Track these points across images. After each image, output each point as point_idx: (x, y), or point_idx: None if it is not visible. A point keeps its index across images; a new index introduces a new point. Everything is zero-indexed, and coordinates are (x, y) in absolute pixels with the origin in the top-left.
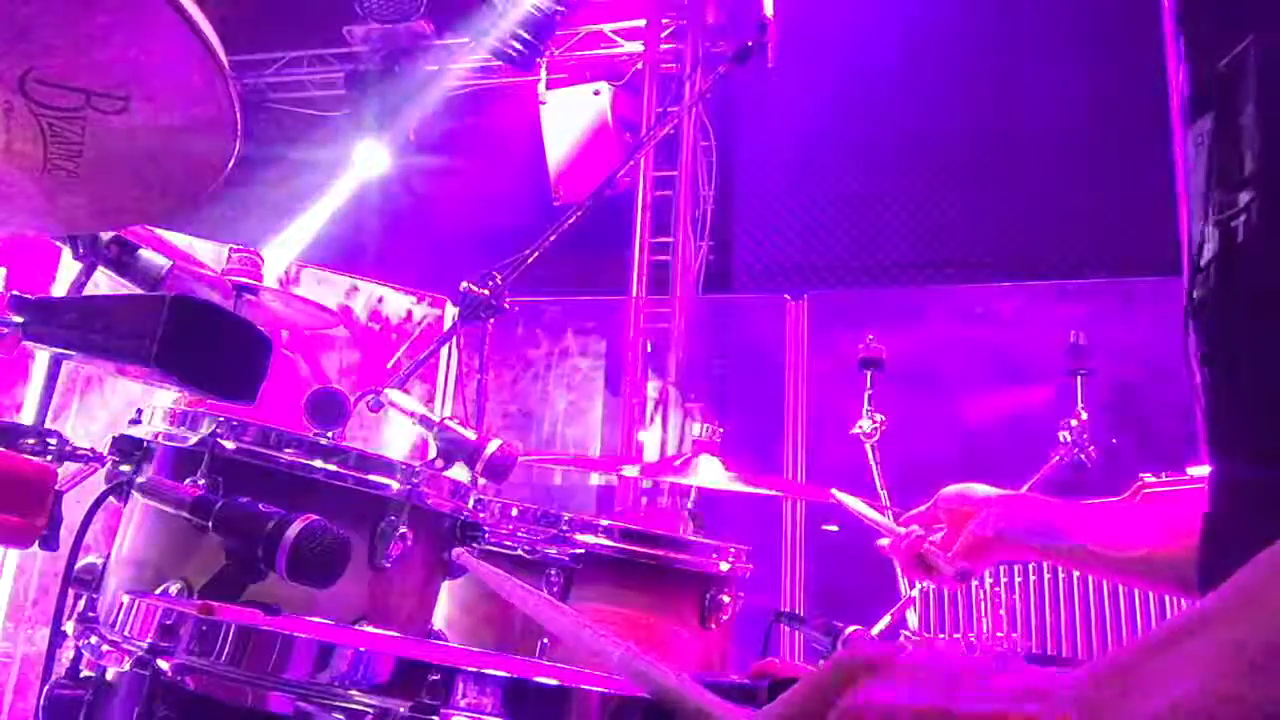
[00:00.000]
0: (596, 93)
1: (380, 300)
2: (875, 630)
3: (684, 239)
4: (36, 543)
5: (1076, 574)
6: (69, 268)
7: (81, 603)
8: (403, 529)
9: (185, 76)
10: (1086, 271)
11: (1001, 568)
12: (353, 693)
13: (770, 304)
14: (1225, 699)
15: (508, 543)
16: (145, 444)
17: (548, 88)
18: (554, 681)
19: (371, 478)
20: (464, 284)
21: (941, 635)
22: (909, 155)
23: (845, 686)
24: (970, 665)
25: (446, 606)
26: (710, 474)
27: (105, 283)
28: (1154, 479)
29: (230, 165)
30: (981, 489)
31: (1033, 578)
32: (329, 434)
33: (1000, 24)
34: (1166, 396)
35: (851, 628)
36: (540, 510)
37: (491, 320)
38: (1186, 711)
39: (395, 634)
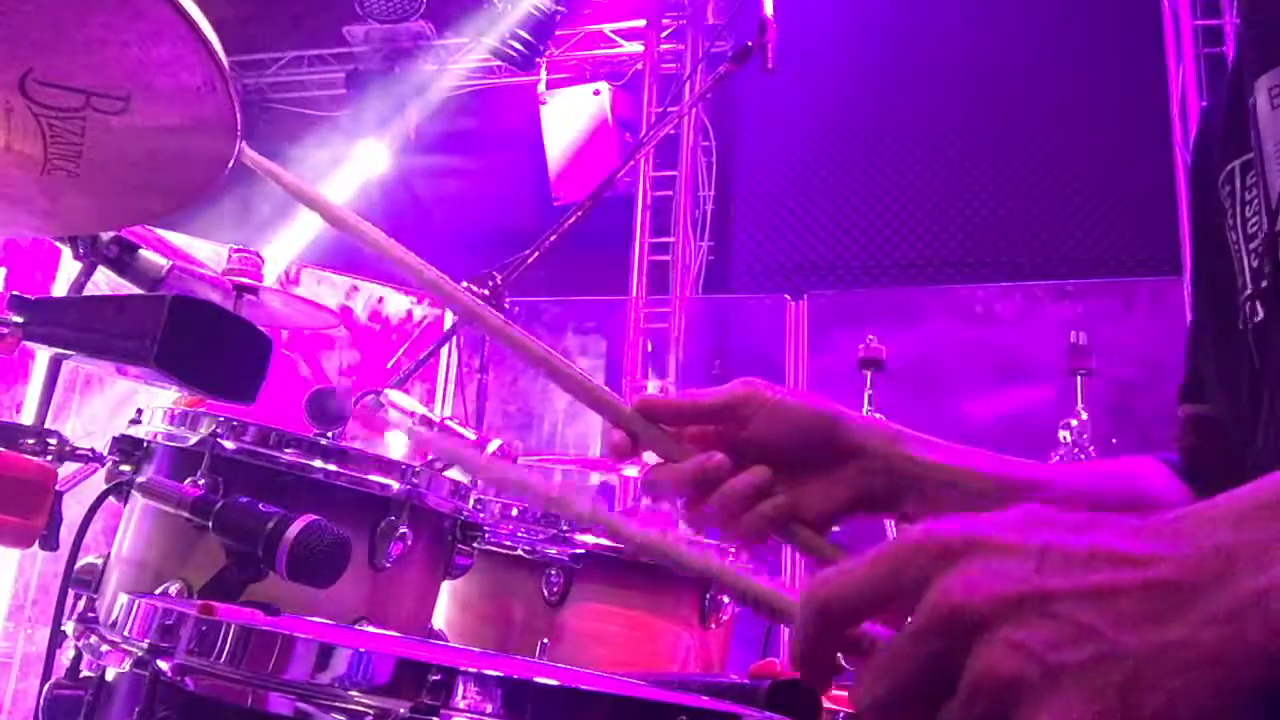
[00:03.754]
0: (596, 93)
1: (380, 300)
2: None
3: (684, 239)
4: (36, 543)
5: None
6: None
7: (81, 603)
8: (403, 529)
9: (185, 77)
10: (1086, 271)
11: None
12: (353, 693)
13: (770, 304)
14: None
15: (507, 543)
16: (145, 444)
17: (548, 88)
18: (554, 682)
19: (371, 478)
20: (464, 284)
21: None
22: (909, 155)
23: (933, 569)
24: (1058, 526)
25: (446, 606)
26: None
27: (105, 283)
28: None
29: (231, 165)
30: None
31: None
32: (329, 434)
33: (1000, 24)
34: (1166, 396)
35: None
36: (540, 510)
37: None
38: None
39: (395, 634)
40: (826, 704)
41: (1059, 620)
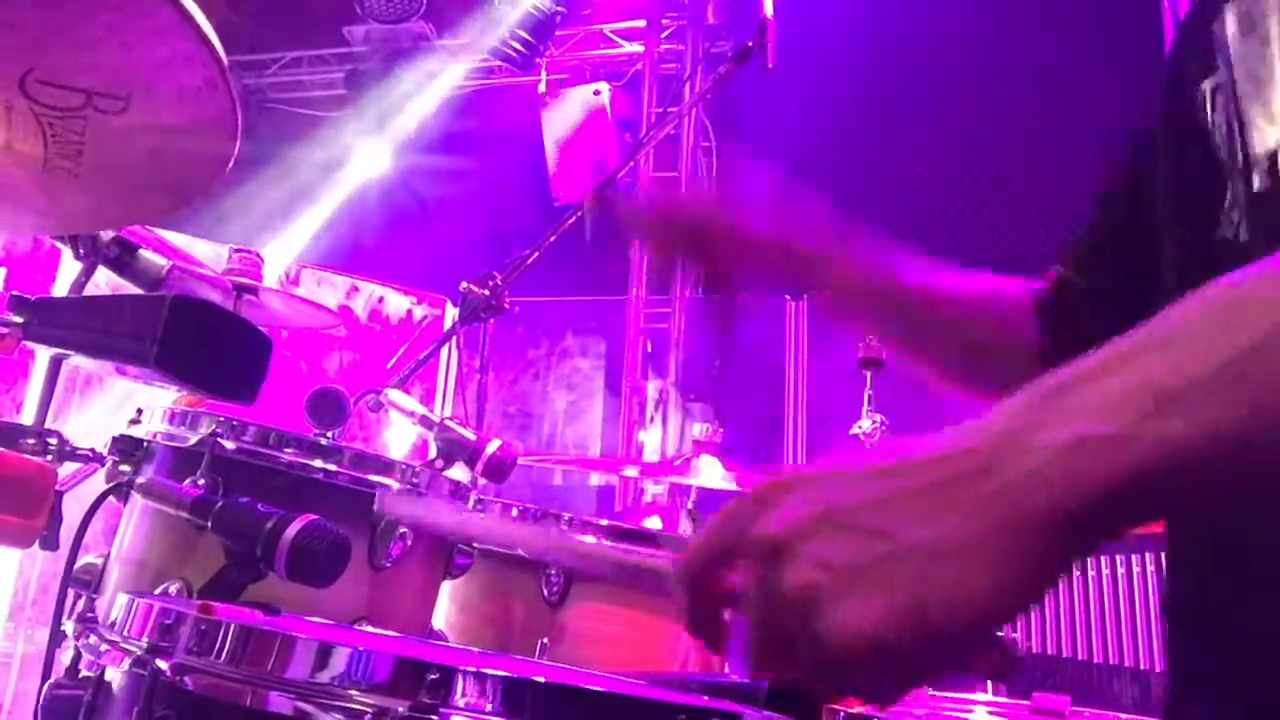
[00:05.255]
0: (596, 93)
1: (380, 300)
2: None
3: None
4: (36, 543)
5: (1076, 572)
6: (69, 268)
7: (81, 602)
8: (402, 529)
9: (186, 76)
10: None
11: None
12: (352, 692)
13: (770, 304)
14: (1125, 438)
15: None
16: (145, 444)
17: (548, 88)
18: (554, 681)
19: (371, 478)
20: (464, 284)
21: None
22: (908, 156)
23: (758, 511)
24: (863, 459)
25: (446, 606)
26: (710, 474)
27: (105, 283)
28: None
29: (230, 165)
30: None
31: None
32: (329, 434)
33: (1000, 24)
34: None
35: None
36: (540, 510)
37: (491, 321)
38: (1094, 441)
39: (395, 634)
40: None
41: (850, 531)
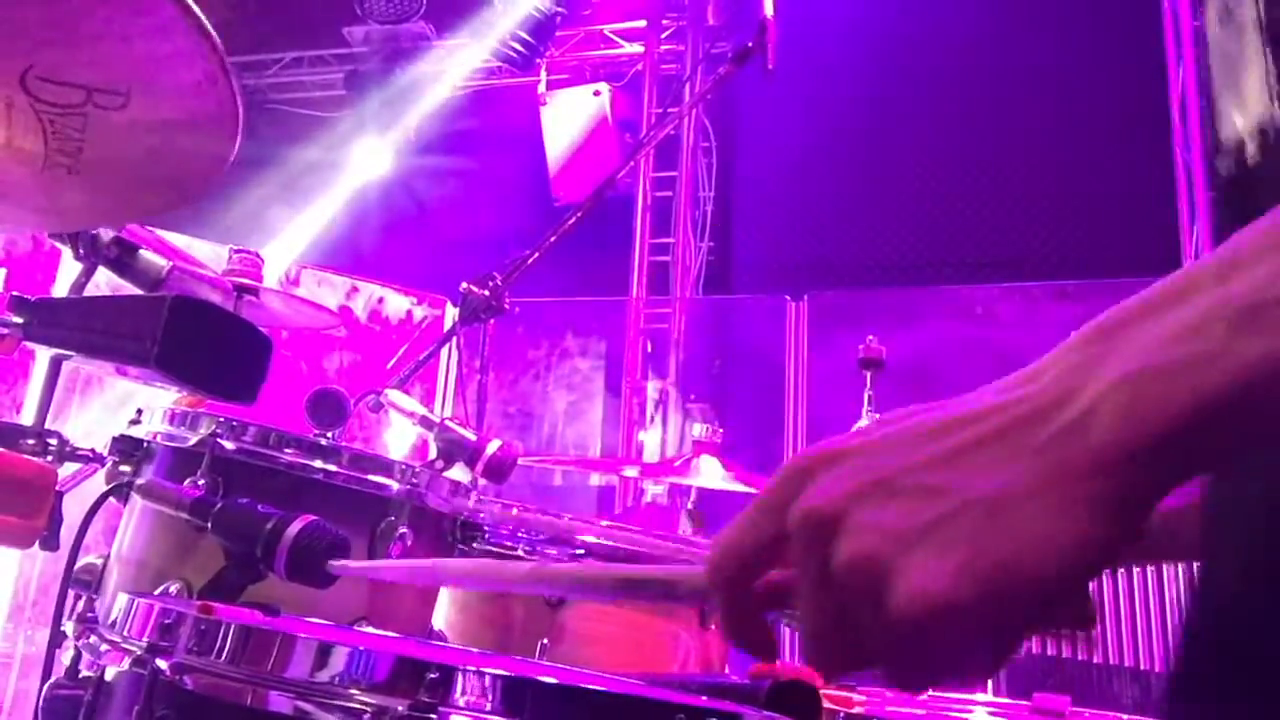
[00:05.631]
0: (596, 93)
1: (380, 301)
2: None
3: (684, 239)
4: (37, 543)
5: None
6: (69, 268)
7: (81, 603)
8: (402, 529)
9: (186, 73)
10: (1086, 271)
11: None
12: (351, 691)
13: (770, 304)
14: (1197, 362)
15: (507, 543)
16: (145, 444)
17: (548, 88)
18: (553, 680)
19: (371, 478)
20: (464, 285)
21: None
22: (909, 155)
23: (797, 491)
24: (906, 417)
25: (446, 606)
26: (710, 474)
27: (105, 283)
28: None
29: (230, 162)
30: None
31: None
32: (329, 434)
33: (1000, 24)
34: None
35: None
36: (540, 510)
37: (491, 321)
38: (1161, 371)
39: (395, 634)
40: (827, 704)
41: (905, 493)
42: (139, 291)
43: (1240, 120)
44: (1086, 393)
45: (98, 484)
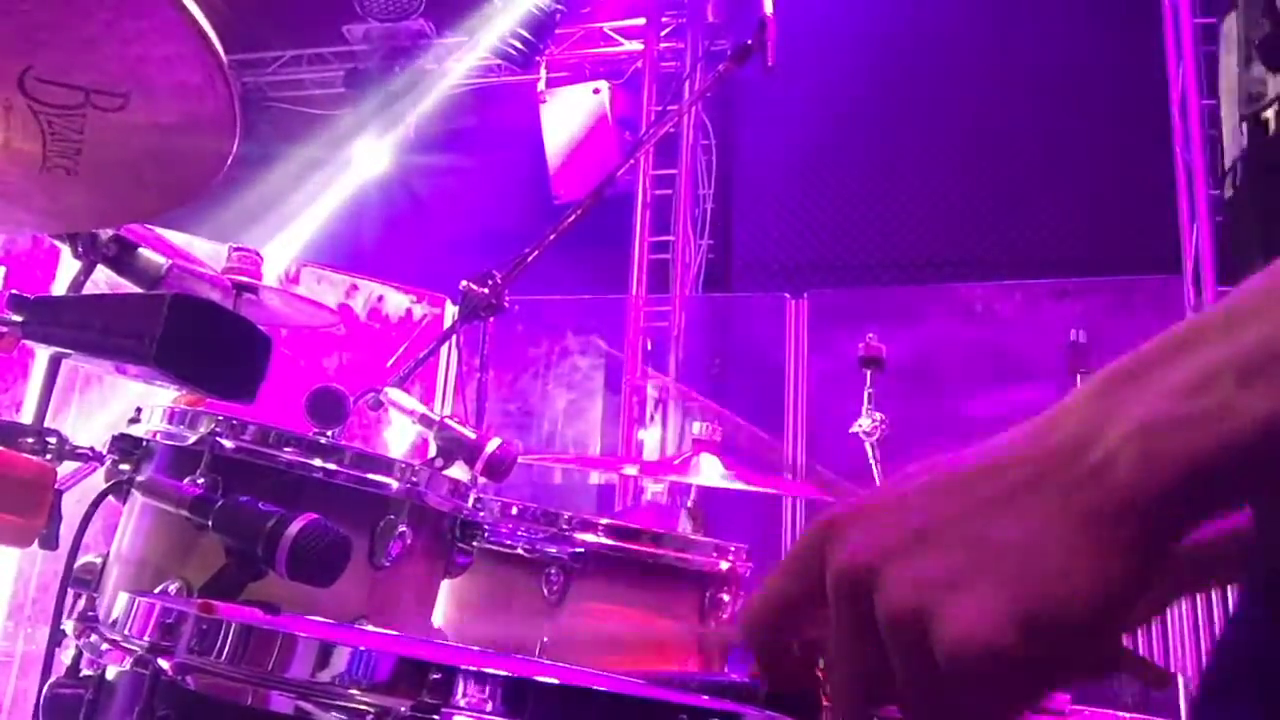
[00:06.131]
0: (596, 91)
1: (380, 299)
2: None
3: (684, 238)
4: (36, 542)
5: None
6: (68, 267)
7: (81, 602)
8: (402, 528)
9: (185, 74)
10: (1086, 271)
11: None
12: (353, 691)
13: (770, 303)
14: (1207, 416)
15: (507, 542)
16: (145, 443)
17: (547, 86)
18: (554, 681)
19: (371, 476)
20: (463, 283)
21: None
22: (909, 154)
23: (827, 550)
24: (931, 469)
25: (446, 605)
26: (710, 473)
27: (105, 282)
28: None
29: (229, 163)
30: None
31: None
32: (329, 433)
33: (1000, 24)
34: None
35: None
36: (540, 508)
37: (491, 319)
38: (1173, 422)
39: (395, 633)
40: (827, 704)
41: (940, 545)
42: (138, 290)
43: (1230, 149)
44: (1106, 442)
45: (97, 483)
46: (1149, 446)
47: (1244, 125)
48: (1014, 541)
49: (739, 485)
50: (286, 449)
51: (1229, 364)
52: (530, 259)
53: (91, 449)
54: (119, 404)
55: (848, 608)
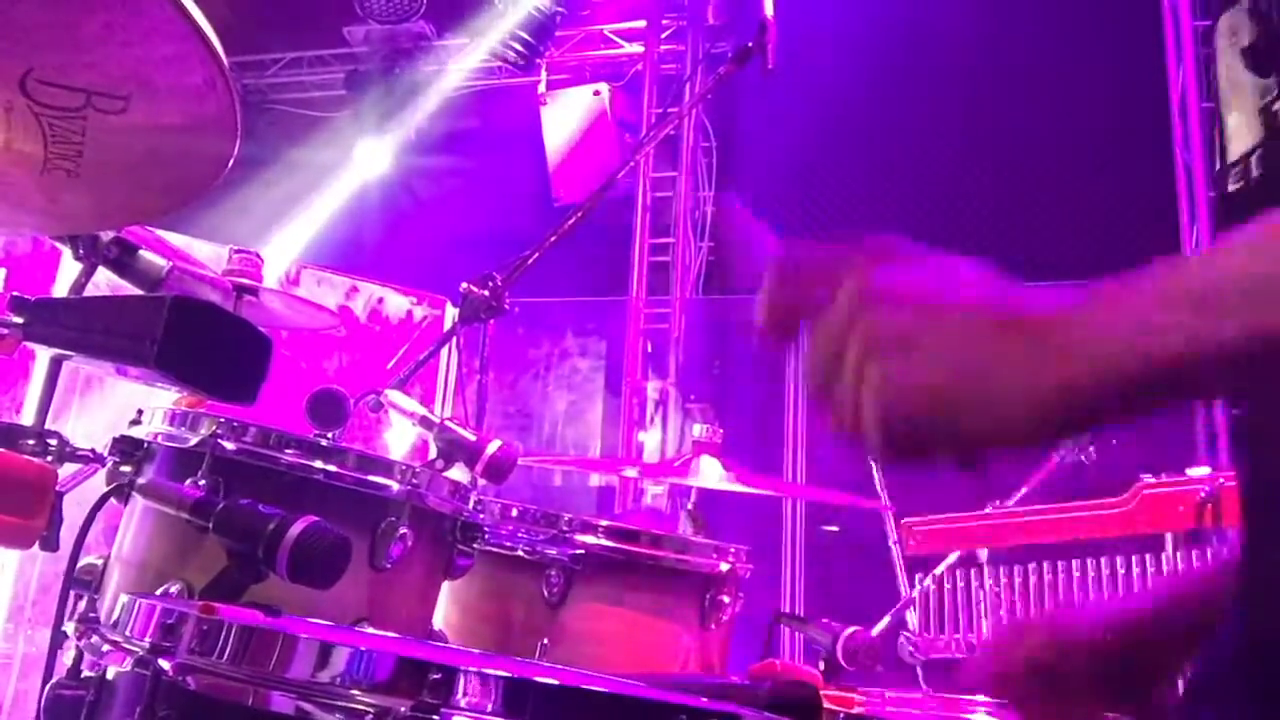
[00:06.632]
0: (596, 93)
1: (380, 301)
2: (875, 630)
3: (684, 239)
4: (37, 543)
5: (1077, 574)
6: (69, 269)
7: (82, 603)
8: (403, 530)
9: (186, 76)
10: (1086, 271)
11: (1001, 568)
12: (353, 692)
13: None
14: (1150, 329)
15: (507, 543)
16: (146, 445)
17: (548, 88)
18: (554, 681)
19: (371, 478)
20: (464, 285)
21: (941, 636)
22: (909, 156)
23: (856, 270)
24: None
25: (446, 607)
26: (710, 474)
27: (105, 283)
28: (1154, 480)
29: (230, 165)
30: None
31: (1032, 579)
32: (330, 435)
33: (1000, 24)
34: None
35: (851, 628)
36: (540, 510)
37: (491, 321)
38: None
39: (396, 635)
40: (827, 704)
41: (922, 354)
42: (139, 292)
43: (1238, 143)
44: (1080, 327)
45: (98, 485)
46: (1108, 337)
47: (1260, 118)
48: (981, 352)
49: (739, 488)
50: (287, 451)
51: (1183, 291)
52: (530, 261)
53: (92, 451)
54: (120, 406)
55: (843, 309)
